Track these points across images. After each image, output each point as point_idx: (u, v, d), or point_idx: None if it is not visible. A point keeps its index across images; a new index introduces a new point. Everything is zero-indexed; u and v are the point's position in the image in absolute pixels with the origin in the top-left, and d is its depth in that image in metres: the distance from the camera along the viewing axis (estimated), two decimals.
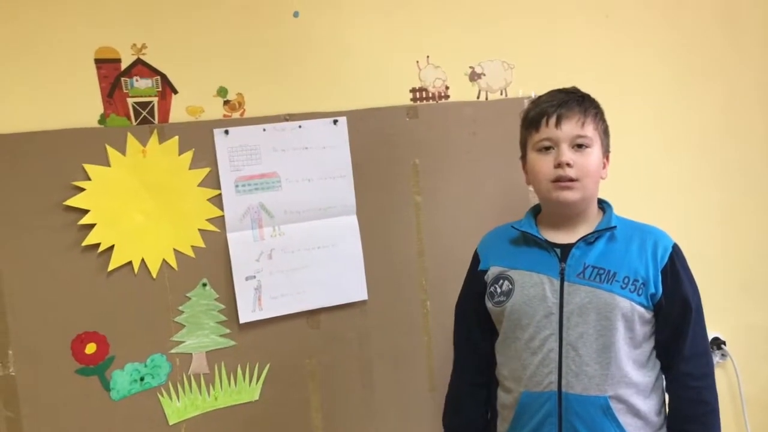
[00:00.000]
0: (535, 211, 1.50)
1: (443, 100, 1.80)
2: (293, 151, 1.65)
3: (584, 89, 1.46)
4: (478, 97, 1.83)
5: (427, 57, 1.77)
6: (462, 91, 1.81)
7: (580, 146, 1.37)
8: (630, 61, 1.97)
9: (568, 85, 1.46)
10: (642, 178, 1.98)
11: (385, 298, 1.75)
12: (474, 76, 1.82)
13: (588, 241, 1.40)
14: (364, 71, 1.72)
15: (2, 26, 1.45)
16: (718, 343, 2.06)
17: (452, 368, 1.59)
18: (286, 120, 1.65)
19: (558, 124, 1.37)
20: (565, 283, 1.38)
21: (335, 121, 1.68)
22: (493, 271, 1.47)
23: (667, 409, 1.43)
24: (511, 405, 1.44)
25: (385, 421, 1.77)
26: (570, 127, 1.37)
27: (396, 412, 1.78)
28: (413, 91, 1.77)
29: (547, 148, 1.39)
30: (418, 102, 1.77)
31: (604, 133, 1.43)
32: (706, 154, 2.07)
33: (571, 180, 1.36)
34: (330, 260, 1.69)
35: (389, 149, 1.74)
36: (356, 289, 1.72)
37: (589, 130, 1.38)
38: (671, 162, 2.03)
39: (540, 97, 1.45)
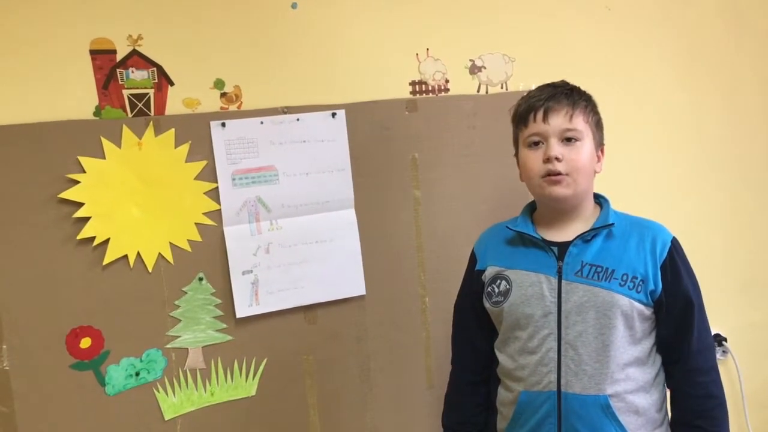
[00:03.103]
0: (531, 209, 1.49)
1: (443, 94, 1.78)
2: (291, 144, 1.64)
3: (585, 83, 1.43)
4: (478, 91, 1.81)
5: (427, 50, 1.76)
6: (462, 85, 1.80)
7: (569, 140, 1.35)
8: (631, 55, 1.95)
9: (569, 78, 1.44)
10: (642, 175, 1.97)
11: (383, 293, 1.74)
12: (474, 70, 1.81)
13: (585, 238, 1.38)
14: (363, 64, 1.70)
15: None
16: (719, 340, 2.05)
17: (451, 367, 1.58)
18: (284, 113, 1.63)
19: (545, 118, 1.35)
20: (563, 282, 1.36)
21: (334, 114, 1.66)
22: (490, 271, 1.46)
23: (671, 405, 1.42)
24: (510, 403, 1.43)
25: (382, 418, 1.76)
26: (558, 121, 1.35)
27: (394, 408, 1.77)
28: (413, 84, 1.75)
29: (537, 143, 1.37)
30: (418, 95, 1.76)
31: (596, 126, 1.40)
32: (708, 152, 2.05)
33: (561, 174, 1.34)
34: (328, 255, 1.68)
35: (388, 143, 1.72)
36: (354, 285, 1.71)
37: (579, 123, 1.36)
38: (672, 159, 2.01)
39: (529, 92, 1.43)
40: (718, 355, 2.03)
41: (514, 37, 1.83)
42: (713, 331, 1.94)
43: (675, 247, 1.38)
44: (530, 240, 1.41)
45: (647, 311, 1.35)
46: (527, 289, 1.38)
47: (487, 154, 1.79)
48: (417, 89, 1.76)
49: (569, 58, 1.86)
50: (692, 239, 1.46)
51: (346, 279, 1.70)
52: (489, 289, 1.44)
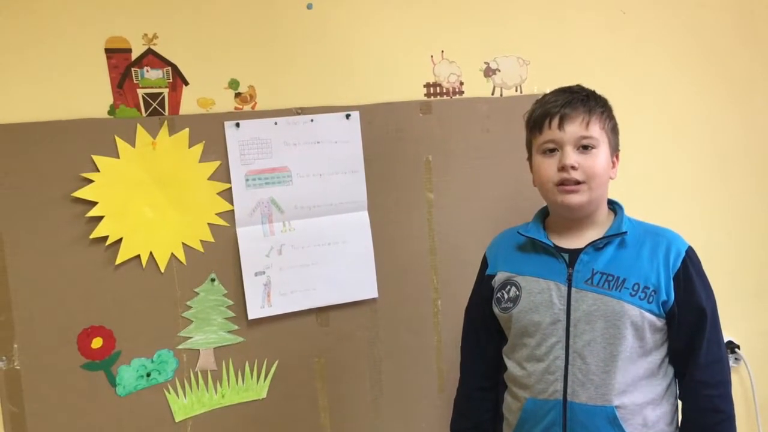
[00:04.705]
0: (543, 214, 1.47)
1: (457, 96, 1.77)
2: (305, 145, 1.63)
3: (599, 86, 1.42)
4: (492, 94, 1.80)
5: (442, 52, 1.75)
6: (476, 87, 1.79)
7: (585, 147, 1.33)
8: (646, 59, 1.94)
9: (583, 82, 1.43)
10: (655, 180, 1.96)
11: (395, 296, 1.73)
12: (489, 72, 1.80)
13: (597, 246, 1.36)
14: (378, 65, 1.69)
15: (12, 15, 1.43)
16: (732, 347, 2.03)
17: (460, 372, 1.57)
18: (298, 113, 1.62)
19: (561, 125, 1.33)
20: (573, 290, 1.34)
21: (348, 116, 1.66)
22: (500, 276, 1.44)
23: (680, 417, 1.40)
24: (516, 410, 1.41)
25: (393, 422, 1.75)
26: (574, 128, 1.33)
27: (404, 412, 1.76)
28: (427, 86, 1.74)
29: (552, 150, 1.35)
30: (432, 97, 1.75)
31: (612, 132, 1.38)
32: (722, 156, 2.04)
33: (577, 183, 1.32)
34: (340, 257, 1.67)
35: (402, 145, 1.72)
36: (366, 287, 1.70)
37: (595, 130, 1.34)
38: (685, 164, 2.00)
39: (544, 96, 1.40)
40: (730, 363, 2.01)
41: (528, 39, 1.82)
42: (726, 338, 1.93)
43: (690, 256, 1.35)
44: (541, 246, 1.40)
45: (659, 322, 1.33)
46: (536, 296, 1.37)
47: (501, 157, 1.78)
48: (431, 91, 1.75)
49: (584, 61, 1.85)
50: (705, 245, 1.44)
51: (359, 281, 1.69)
52: (498, 295, 1.43)
